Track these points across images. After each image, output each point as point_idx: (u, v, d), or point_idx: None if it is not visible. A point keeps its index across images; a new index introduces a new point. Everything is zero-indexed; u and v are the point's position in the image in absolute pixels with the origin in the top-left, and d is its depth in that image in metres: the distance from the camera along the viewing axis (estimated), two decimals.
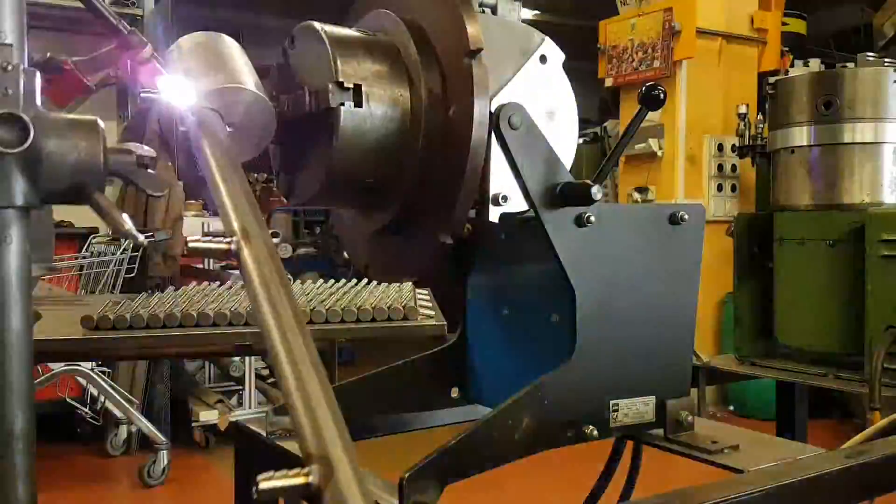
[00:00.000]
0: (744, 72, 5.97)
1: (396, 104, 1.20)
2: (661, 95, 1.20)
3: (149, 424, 4.40)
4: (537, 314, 1.25)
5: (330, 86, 1.15)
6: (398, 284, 2.83)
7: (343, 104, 1.16)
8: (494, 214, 1.20)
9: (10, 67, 0.93)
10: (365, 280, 2.88)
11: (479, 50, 1.13)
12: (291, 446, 1.24)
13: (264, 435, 1.29)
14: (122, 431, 4.74)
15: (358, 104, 1.17)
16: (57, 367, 4.19)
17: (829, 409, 5.30)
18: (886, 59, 2.45)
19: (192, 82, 1.07)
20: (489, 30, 1.19)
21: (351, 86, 1.16)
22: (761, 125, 4.16)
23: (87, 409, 4.71)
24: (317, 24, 1.22)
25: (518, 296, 1.31)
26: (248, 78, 1.11)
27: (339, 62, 1.17)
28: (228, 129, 1.09)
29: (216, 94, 1.06)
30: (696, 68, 5.69)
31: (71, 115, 0.98)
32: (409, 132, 1.20)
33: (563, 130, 1.30)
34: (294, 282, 3.18)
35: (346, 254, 1.48)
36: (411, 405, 1.40)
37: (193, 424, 4.77)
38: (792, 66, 2.85)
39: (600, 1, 6.45)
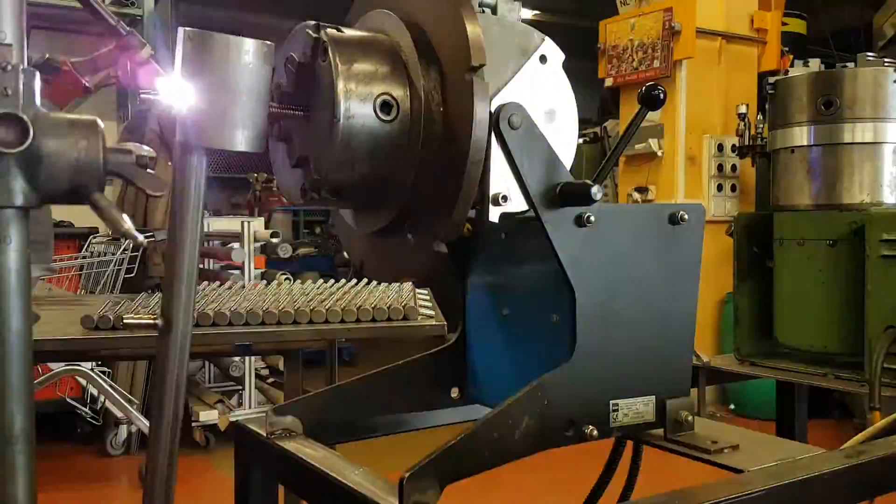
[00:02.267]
0: (744, 72, 5.97)
1: (396, 104, 1.20)
2: (661, 95, 1.20)
3: (149, 424, 4.40)
4: (537, 314, 1.25)
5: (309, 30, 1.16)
6: (398, 284, 2.83)
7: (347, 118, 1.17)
8: (494, 214, 1.20)
9: (9, 67, 0.93)
10: (365, 280, 2.88)
11: (481, 66, 1.13)
12: (291, 446, 1.24)
13: (264, 435, 1.28)
14: (122, 431, 4.74)
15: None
16: (57, 367, 4.19)
17: (829, 409, 5.30)
18: (886, 59, 2.45)
19: (189, 125, 1.06)
20: (489, 30, 1.19)
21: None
22: (761, 125, 4.16)
23: (87, 409, 4.71)
24: (315, 24, 1.22)
25: (518, 296, 1.31)
26: (247, 122, 1.10)
27: (338, 62, 1.17)
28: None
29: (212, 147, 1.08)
30: (696, 68, 5.69)
31: (71, 115, 0.99)
32: (409, 132, 1.20)
33: (563, 130, 1.29)
34: (294, 282, 3.18)
35: (346, 254, 1.48)
36: (411, 405, 1.40)
37: (193, 424, 4.77)
38: (792, 66, 2.85)
39: (600, 1, 6.45)
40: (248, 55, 1.11)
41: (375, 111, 1.18)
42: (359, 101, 1.17)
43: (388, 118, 1.18)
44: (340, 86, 1.15)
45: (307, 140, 1.24)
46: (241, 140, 1.09)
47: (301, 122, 1.23)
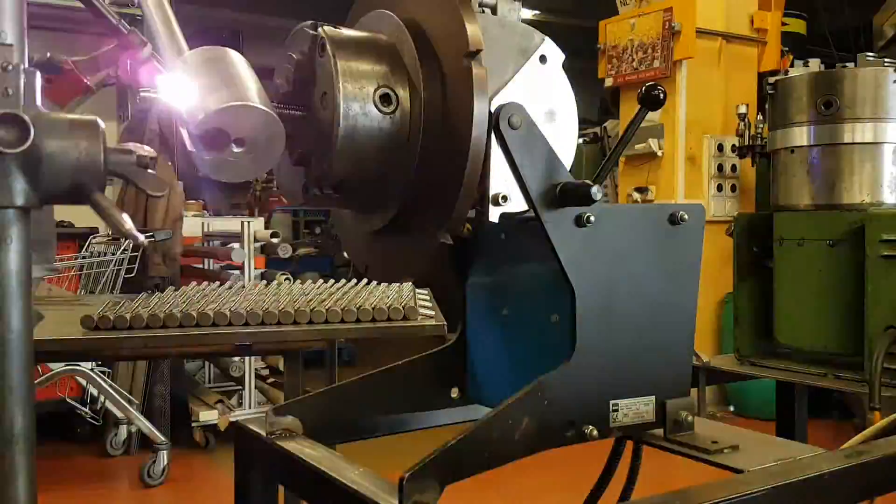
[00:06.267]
0: (744, 72, 5.97)
1: (396, 105, 1.20)
2: (661, 95, 1.20)
3: (149, 424, 4.40)
4: (537, 314, 1.25)
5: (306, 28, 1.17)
6: (398, 284, 2.83)
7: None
8: (494, 214, 1.20)
9: (10, 67, 0.93)
10: (365, 280, 2.88)
11: (479, 51, 1.12)
12: (291, 446, 1.24)
13: (264, 435, 1.29)
14: (122, 431, 4.74)
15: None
16: (57, 367, 4.19)
17: (829, 409, 5.30)
18: (886, 59, 2.45)
19: (198, 99, 1.06)
20: (489, 30, 1.19)
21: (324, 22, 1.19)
22: (761, 125, 4.16)
23: (87, 409, 4.71)
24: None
25: (518, 296, 1.31)
26: (255, 95, 1.11)
27: (338, 63, 1.17)
28: (237, 150, 1.08)
29: (224, 112, 1.05)
30: (696, 68, 5.69)
31: (71, 115, 0.99)
32: (409, 132, 1.21)
33: (563, 130, 1.30)
34: (294, 282, 3.18)
35: (346, 254, 1.48)
36: (411, 405, 1.40)
37: (193, 424, 4.77)
38: (792, 66, 2.85)
39: (600, 1, 6.45)
40: (234, 54, 1.14)
41: (375, 103, 1.18)
42: (359, 94, 1.17)
43: (388, 110, 1.19)
44: (340, 80, 1.15)
45: (308, 138, 1.24)
46: (252, 96, 1.09)
47: (301, 121, 1.23)
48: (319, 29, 1.20)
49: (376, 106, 1.18)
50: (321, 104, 1.20)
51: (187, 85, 1.09)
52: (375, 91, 1.18)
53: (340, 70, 1.16)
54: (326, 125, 1.18)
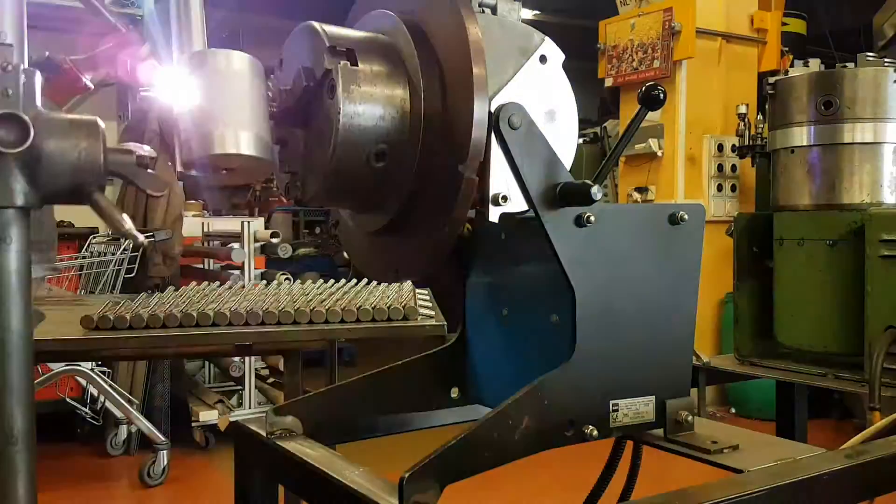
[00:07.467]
0: (744, 72, 5.97)
1: (396, 104, 1.20)
2: (661, 95, 1.20)
3: (149, 424, 4.40)
4: (537, 314, 1.25)
5: (324, 53, 1.16)
6: (398, 284, 2.83)
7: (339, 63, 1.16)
8: (494, 214, 1.20)
9: (10, 67, 0.93)
10: (365, 280, 2.88)
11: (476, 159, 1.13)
12: (291, 446, 1.24)
13: (264, 435, 1.29)
14: (122, 431, 4.74)
15: (353, 63, 1.17)
16: (57, 367, 4.19)
17: (829, 409, 5.30)
18: (886, 59, 2.45)
19: (195, 133, 1.07)
20: (489, 30, 1.19)
21: (344, 49, 1.17)
22: (761, 125, 4.17)
23: (87, 409, 4.71)
24: (316, 25, 1.22)
25: (518, 296, 1.31)
26: (252, 134, 1.11)
27: (341, 124, 1.17)
28: (224, 171, 1.12)
29: (219, 156, 1.08)
30: (696, 68, 5.69)
31: (71, 116, 0.99)
32: (409, 132, 1.20)
33: (563, 130, 1.30)
34: (294, 282, 3.18)
35: (346, 254, 1.48)
36: (411, 405, 1.40)
37: (193, 424, 4.77)
38: (792, 66, 2.85)
39: (600, 1, 6.45)
40: (239, 64, 1.13)
41: (370, 161, 1.19)
42: (355, 154, 1.18)
43: (379, 165, 1.20)
44: (340, 139, 1.16)
45: (299, 155, 1.25)
46: (245, 134, 1.09)
47: (297, 133, 1.24)
48: (336, 64, 1.17)
49: (369, 163, 1.19)
50: (318, 135, 1.20)
51: (185, 100, 1.09)
52: (372, 149, 1.19)
53: (342, 131, 1.16)
54: (318, 159, 1.19)
